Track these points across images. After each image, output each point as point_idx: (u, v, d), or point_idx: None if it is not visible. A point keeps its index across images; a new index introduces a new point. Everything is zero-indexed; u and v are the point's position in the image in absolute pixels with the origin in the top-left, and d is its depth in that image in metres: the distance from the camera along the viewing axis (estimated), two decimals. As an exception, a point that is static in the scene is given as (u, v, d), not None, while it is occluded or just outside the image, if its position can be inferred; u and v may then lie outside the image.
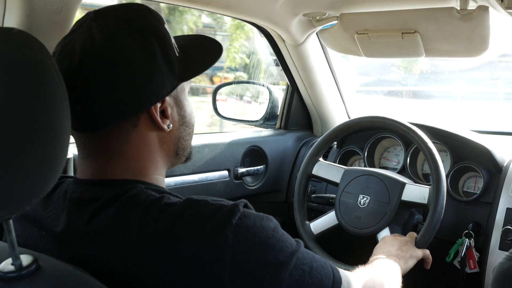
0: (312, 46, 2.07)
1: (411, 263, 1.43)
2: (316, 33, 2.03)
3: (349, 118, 2.34)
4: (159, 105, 0.90)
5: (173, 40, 0.93)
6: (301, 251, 0.84)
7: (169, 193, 0.87)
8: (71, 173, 1.43)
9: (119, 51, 0.85)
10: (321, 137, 1.83)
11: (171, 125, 0.93)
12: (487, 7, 1.46)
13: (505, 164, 1.73)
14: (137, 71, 0.86)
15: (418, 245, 1.50)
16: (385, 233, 1.61)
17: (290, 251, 0.82)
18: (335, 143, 2.07)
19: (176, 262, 0.77)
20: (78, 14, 1.31)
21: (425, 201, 1.56)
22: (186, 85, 0.99)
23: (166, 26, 0.93)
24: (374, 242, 1.62)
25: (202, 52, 0.99)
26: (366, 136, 1.99)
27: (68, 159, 1.43)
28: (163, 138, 0.94)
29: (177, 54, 0.92)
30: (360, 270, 1.10)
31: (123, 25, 0.88)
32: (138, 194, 0.84)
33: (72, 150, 1.51)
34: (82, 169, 0.92)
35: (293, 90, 2.26)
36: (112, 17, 0.89)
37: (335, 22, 1.80)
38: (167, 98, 0.92)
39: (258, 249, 0.78)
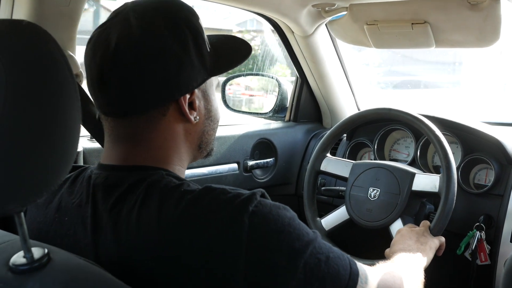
0: (322, 37, 2.06)
1: (431, 254, 1.41)
2: (326, 24, 2.01)
3: (358, 110, 2.33)
4: (188, 96, 0.93)
5: (205, 36, 0.95)
6: (318, 241, 0.84)
7: (188, 182, 0.89)
8: (81, 166, 1.43)
9: (155, 41, 0.88)
10: (328, 132, 1.82)
11: (197, 118, 0.96)
12: (499, -3, 1.44)
13: (516, 156, 1.71)
14: (170, 62, 0.89)
15: (433, 233, 1.48)
16: (397, 224, 1.60)
17: (306, 239, 0.82)
18: (345, 135, 2.06)
19: (193, 246, 0.78)
20: (87, 7, 1.32)
21: (436, 190, 1.55)
22: (214, 81, 1.01)
23: (200, 21, 0.95)
24: (387, 234, 1.61)
25: (232, 50, 1.02)
26: (376, 128, 1.98)
27: (78, 152, 1.43)
28: (189, 130, 0.96)
29: (209, 50, 0.95)
30: (379, 265, 1.07)
31: (160, 17, 0.91)
32: (159, 180, 0.87)
33: (82, 144, 1.52)
34: (107, 154, 0.95)
35: (302, 82, 2.25)
36: (149, 8, 0.92)
37: (345, 13, 1.79)
38: (196, 91, 0.95)
39: (273, 236, 0.79)
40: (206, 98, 0.99)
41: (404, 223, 1.59)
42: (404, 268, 1.13)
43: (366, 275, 0.90)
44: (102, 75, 0.89)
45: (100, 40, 0.90)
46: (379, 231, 1.64)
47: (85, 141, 1.58)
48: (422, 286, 1.14)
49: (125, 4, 0.93)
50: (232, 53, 1.02)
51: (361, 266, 0.91)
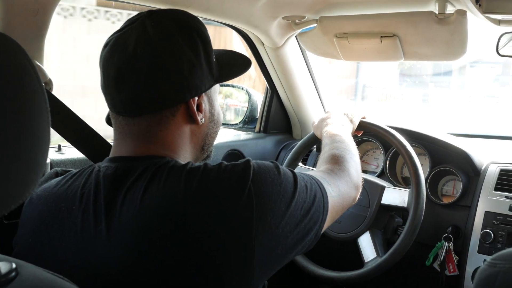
0: (292, 49, 2.06)
1: (356, 121, 1.60)
2: (296, 36, 2.02)
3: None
4: (196, 99, 1.01)
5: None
6: (299, 180, 0.98)
7: (192, 162, 0.96)
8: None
9: (170, 46, 0.96)
10: (299, 142, 1.82)
11: (203, 120, 1.05)
12: (465, 12, 1.47)
13: (483, 168, 1.74)
14: (184, 66, 0.97)
15: (400, 248, 1.51)
16: (365, 237, 1.61)
17: (293, 185, 0.96)
18: (315, 146, 2.06)
19: (205, 215, 0.87)
20: (56, 16, 1.29)
21: (405, 205, 1.57)
22: (217, 87, 1.11)
23: (208, 32, 1.05)
24: (355, 246, 1.61)
25: (233, 61, 1.13)
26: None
27: (46, 163, 1.39)
28: (194, 131, 1.05)
29: (214, 59, 1.05)
30: (325, 166, 1.21)
31: (174, 24, 0.99)
32: (167, 162, 0.94)
33: (50, 155, 1.49)
34: (116, 149, 1.01)
35: (272, 93, 2.25)
36: (164, 16, 1.00)
37: (315, 25, 1.80)
38: (203, 95, 1.03)
39: (273, 192, 0.92)
40: (211, 102, 1.07)
41: (372, 236, 1.60)
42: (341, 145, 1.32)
43: (328, 183, 1.08)
44: (120, 76, 0.96)
45: (118, 43, 0.97)
46: (347, 243, 1.65)
47: (53, 153, 1.55)
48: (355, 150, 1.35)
49: (141, 13, 1.01)
50: (233, 64, 1.11)
51: (323, 185, 1.05)
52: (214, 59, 1.04)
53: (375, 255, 1.58)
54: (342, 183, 1.15)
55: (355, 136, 1.94)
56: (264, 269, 0.91)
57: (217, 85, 1.10)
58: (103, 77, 1.00)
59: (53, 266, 0.88)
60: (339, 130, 1.44)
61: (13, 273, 0.66)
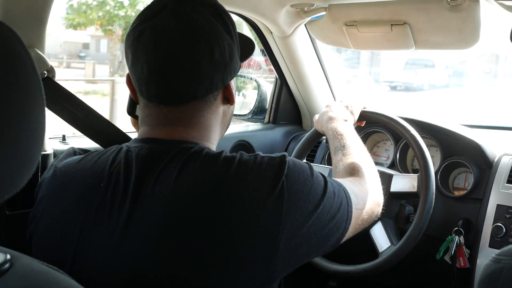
0: (301, 38, 2.03)
1: (357, 113, 1.59)
2: (305, 25, 1.98)
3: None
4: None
5: None
6: (328, 185, 0.99)
7: (225, 151, 0.98)
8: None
9: (212, 31, 0.97)
10: (302, 140, 1.77)
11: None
12: (478, -2, 1.43)
13: (495, 160, 1.70)
14: (226, 50, 0.98)
15: (414, 233, 1.49)
16: (377, 227, 1.59)
17: (323, 188, 0.97)
18: (324, 138, 2.03)
19: (238, 203, 0.89)
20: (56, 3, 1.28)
21: (415, 189, 1.55)
22: None
23: None
24: (366, 238, 1.59)
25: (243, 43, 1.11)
26: (356, 131, 1.95)
27: (48, 154, 1.39)
28: (225, 112, 1.08)
29: None
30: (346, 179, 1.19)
31: (208, 9, 0.99)
32: (200, 150, 0.96)
33: (53, 146, 1.47)
34: (150, 132, 1.01)
35: (281, 83, 2.23)
36: (194, 1, 0.99)
37: (324, 13, 1.76)
38: None
39: (304, 190, 0.93)
40: (232, 82, 1.07)
41: (384, 225, 1.58)
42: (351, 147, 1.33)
43: (355, 195, 1.08)
44: (169, 64, 0.95)
45: (158, 30, 0.95)
46: (359, 235, 1.62)
47: (57, 143, 1.54)
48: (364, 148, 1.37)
49: (163, 1, 0.99)
50: (243, 46, 1.10)
51: (347, 191, 1.05)
52: None
53: (389, 244, 1.55)
54: (368, 198, 1.16)
55: (361, 128, 1.92)
56: (285, 266, 0.92)
57: None
58: (146, 68, 0.97)
59: (78, 244, 0.94)
60: (343, 127, 1.43)
61: (7, 264, 0.65)
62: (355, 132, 1.43)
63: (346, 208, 1.02)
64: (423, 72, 15.07)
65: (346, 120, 1.48)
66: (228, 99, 1.05)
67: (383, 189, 1.58)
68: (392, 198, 1.60)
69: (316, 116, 1.60)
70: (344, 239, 1.04)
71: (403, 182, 1.59)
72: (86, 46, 22.38)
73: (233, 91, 1.06)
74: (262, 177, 0.91)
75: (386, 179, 1.60)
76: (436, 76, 15.26)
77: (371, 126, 1.91)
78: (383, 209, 1.57)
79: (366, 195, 1.16)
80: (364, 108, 1.62)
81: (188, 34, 0.95)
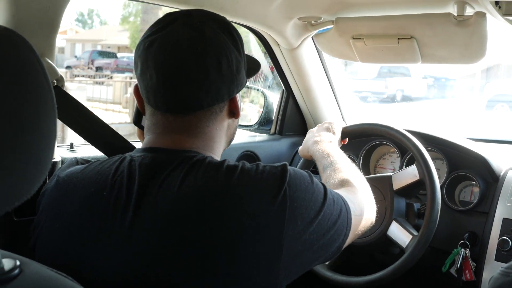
0: (308, 50, 2.04)
1: (338, 133, 1.63)
2: (312, 38, 2.00)
3: (345, 123, 2.31)
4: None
5: None
6: (328, 194, 1.01)
7: (228, 160, 0.99)
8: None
9: (221, 44, 1.00)
10: (299, 165, 1.80)
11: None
12: (485, 14, 1.43)
13: (502, 174, 1.71)
14: (233, 63, 1.01)
15: (432, 219, 1.50)
16: (393, 227, 1.59)
17: (322, 197, 0.99)
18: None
19: (240, 211, 0.90)
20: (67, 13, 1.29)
21: (418, 177, 1.57)
22: None
23: None
24: (387, 241, 1.59)
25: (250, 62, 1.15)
26: (362, 143, 1.96)
27: (56, 162, 1.40)
28: (230, 125, 1.09)
29: None
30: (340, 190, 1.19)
31: (217, 24, 1.03)
32: (203, 158, 0.97)
33: (61, 153, 1.49)
34: (154, 141, 1.03)
35: (288, 94, 2.23)
36: (205, 16, 1.04)
37: (331, 26, 1.77)
38: None
39: (305, 198, 0.95)
40: (237, 96, 1.08)
41: (399, 223, 1.59)
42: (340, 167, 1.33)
43: (352, 203, 1.10)
44: (178, 74, 0.98)
45: (169, 41, 0.98)
46: (376, 245, 1.62)
47: (64, 151, 1.55)
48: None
49: (175, 13, 1.03)
50: (250, 64, 1.14)
51: (347, 203, 1.07)
52: None
53: (410, 237, 1.54)
54: (364, 205, 1.19)
55: (367, 141, 1.93)
56: (288, 273, 0.93)
57: None
58: (155, 76, 0.99)
59: (81, 250, 0.95)
60: (329, 147, 1.45)
61: (17, 270, 0.66)
62: (341, 150, 1.45)
63: (345, 215, 1.04)
64: (396, 81, 13.55)
65: (330, 141, 1.51)
66: (234, 113, 1.07)
67: (387, 192, 1.61)
68: (398, 197, 1.61)
69: (300, 147, 1.63)
70: (345, 245, 1.06)
71: (404, 176, 1.61)
72: (61, 50, 22.47)
73: (239, 105, 1.08)
74: (264, 186, 0.93)
75: (386, 181, 1.62)
76: (411, 86, 13.66)
77: (377, 138, 1.92)
78: (393, 208, 1.59)
79: (362, 203, 1.18)
80: (344, 126, 1.67)
81: (197, 44, 0.98)
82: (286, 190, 0.93)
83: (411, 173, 1.60)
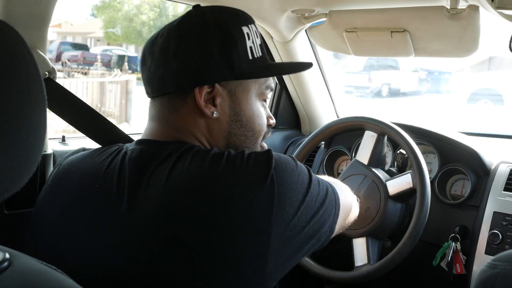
0: (301, 43, 2.04)
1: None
2: (305, 30, 1.99)
3: (337, 117, 2.31)
4: (207, 90, 1.00)
5: (250, 44, 1.03)
6: (313, 177, 1.01)
7: (215, 148, 0.99)
8: (51, 169, 1.39)
9: (182, 31, 1.01)
10: (305, 140, 1.79)
11: (215, 114, 1.02)
12: (478, 7, 1.44)
13: (493, 167, 1.71)
14: (194, 52, 0.99)
15: (421, 219, 1.50)
16: (392, 207, 1.61)
17: (308, 179, 0.99)
18: (323, 143, 2.04)
19: (229, 198, 0.90)
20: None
21: (411, 185, 1.55)
22: (253, 87, 1.06)
23: (245, 28, 1.03)
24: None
25: (289, 66, 1.22)
26: (354, 136, 1.96)
27: (48, 154, 1.39)
28: (211, 125, 1.03)
29: (251, 57, 1.03)
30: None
31: (195, 17, 1.02)
32: (191, 147, 0.97)
33: (53, 146, 1.48)
34: (145, 132, 1.06)
35: (281, 88, 2.24)
36: (217, 9, 1.06)
37: (324, 19, 1.77)
38: (219, 88, 1.01)
39: (292, 181, 0.95)
40: (234, 100, 1.04)
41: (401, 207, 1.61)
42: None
43: (337, 187, 1.12)
44: (142, 59, 1.06)
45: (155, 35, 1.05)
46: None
47: (57, 144, 1.54)
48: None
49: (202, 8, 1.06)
50: (282, 67, 1.22)
51: (331, 184, 1.09)
52: (249, 57, 1.02)
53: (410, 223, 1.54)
54: (349, 195, 1.23)
55: (363, 132, 1.92)
56: (278, 261, 0.93)
57: (251, 85, 1.06)
58: (153, 64, 1.05)
59: (74, 242, 0.97)
60: None
61: (6, 263, 0.66)
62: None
63: (333, 195, 1.05)
64: (382, 75, 12.74)
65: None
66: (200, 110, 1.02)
67: (382, 197, 1.60)
68: (393, 202, 1.59)
69: None
70: (336, 227, 1.07)
71: (398, 183, 1.59)
72: (50, 44, 22.33)
73: (229, 107, 1.03)
74: (251, 173, 0.92)
75: (381, 187, 1.60)
76: (400, 80, 12.75)
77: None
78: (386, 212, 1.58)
79: (346, 193, 1.22)
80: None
81: (162, 33, 1.03)
82: (273, 175, 0.92)
83: (404, 180, 1.58)
